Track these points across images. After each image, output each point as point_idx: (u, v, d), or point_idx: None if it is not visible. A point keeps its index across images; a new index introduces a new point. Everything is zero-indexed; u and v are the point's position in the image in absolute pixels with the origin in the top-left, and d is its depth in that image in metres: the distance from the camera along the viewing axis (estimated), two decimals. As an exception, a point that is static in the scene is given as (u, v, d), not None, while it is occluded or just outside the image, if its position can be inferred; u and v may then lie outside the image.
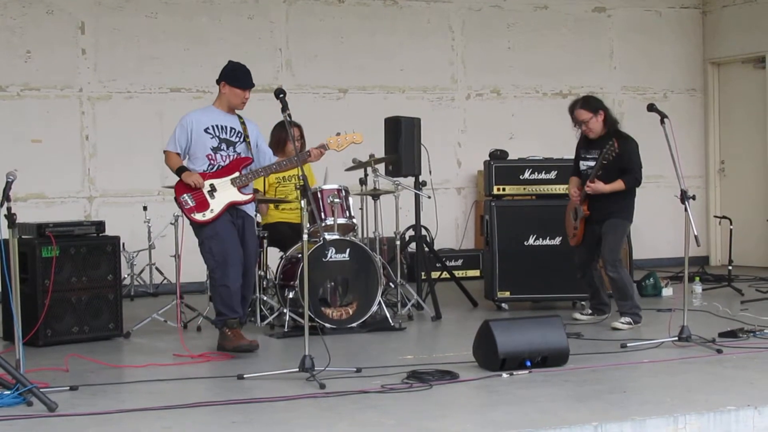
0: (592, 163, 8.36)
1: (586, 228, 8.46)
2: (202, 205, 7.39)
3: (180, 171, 7.44)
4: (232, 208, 7.46)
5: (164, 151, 7.59)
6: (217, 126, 7.50)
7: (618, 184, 8.23)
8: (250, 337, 7.61)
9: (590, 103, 8.42)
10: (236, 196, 7.46)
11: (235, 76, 7.55)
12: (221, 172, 7.45)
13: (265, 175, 7.94)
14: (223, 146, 7.49)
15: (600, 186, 8.25)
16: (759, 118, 13.05)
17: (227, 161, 7.48)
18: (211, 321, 7.69)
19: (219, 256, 7.39)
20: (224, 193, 7.42)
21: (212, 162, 7.47)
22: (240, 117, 7.65)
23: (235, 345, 7.33)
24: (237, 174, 7.46)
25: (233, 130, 7.55)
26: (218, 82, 7.61)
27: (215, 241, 7.40)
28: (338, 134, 7.52)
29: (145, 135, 11.22)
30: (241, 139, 7.55)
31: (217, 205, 7.40)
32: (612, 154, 8.09)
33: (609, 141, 8.14)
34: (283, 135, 9.00)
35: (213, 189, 7.41)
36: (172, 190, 7.56)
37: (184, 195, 7.43)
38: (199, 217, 7.39)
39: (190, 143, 7.49)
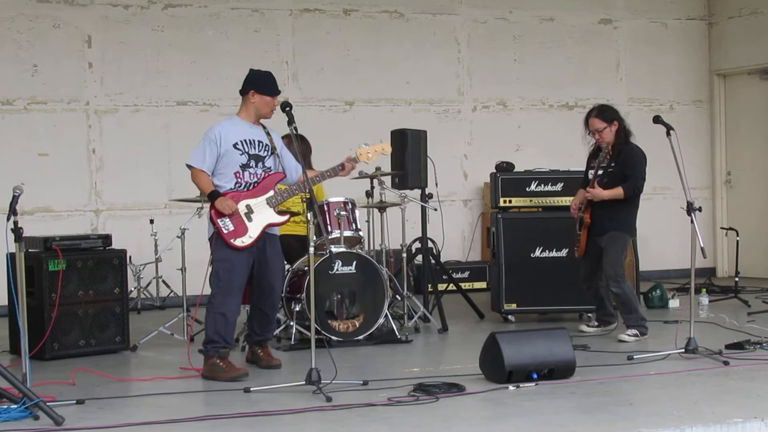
0: (599, 171, 8.38)
1: (589, 240, 8.46)
2: (241, 230, 7.05)
3: (213, 196, 7.06)
4: None
5: (189, 166, 7.17)
6: (246, 141, 7.14)
7: (617, 191, 8.25)
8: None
9: (605, 113, 8.41)
10: (273, 217, 7.17)
11: (264, 84, 7.21)
12: (256, 190, 7.14)
13: (300, 191, 7.40)
14: (252, 163, 7.14)
15: (599, 191, 8.27)
16: (765, 130, 13.05)
17: (254, 179, 7.15)
18: (199, 350, 7.27)
19: (224, 283, 7.07)
20: (261, 216, 7.11)
21: (239, 180, 7.12)
22: (264, 127, 7.31)
23: (231, 376, 6.94)
24: (272, 193, 7.16)
25: (261, 144, 7.20)
26: (244, 92, 7.23)
27: (224, 267, 7.07)
28: (366, 144, 7.28)
29: (152, 148, 11.25)
30: (269, 152, 7.23)
31: (255, 229, 7.07)
32: (607, 155, 8.19)
33: (617, 150, 8.20)
34: (292, 149, 9.03)
35: (250, 211, 7.07)
36: (178, 204, 7.42)
37: (223, 218, 7.04)
38: (238, 243, 7.03)
39: (219, 158, 7.13)
